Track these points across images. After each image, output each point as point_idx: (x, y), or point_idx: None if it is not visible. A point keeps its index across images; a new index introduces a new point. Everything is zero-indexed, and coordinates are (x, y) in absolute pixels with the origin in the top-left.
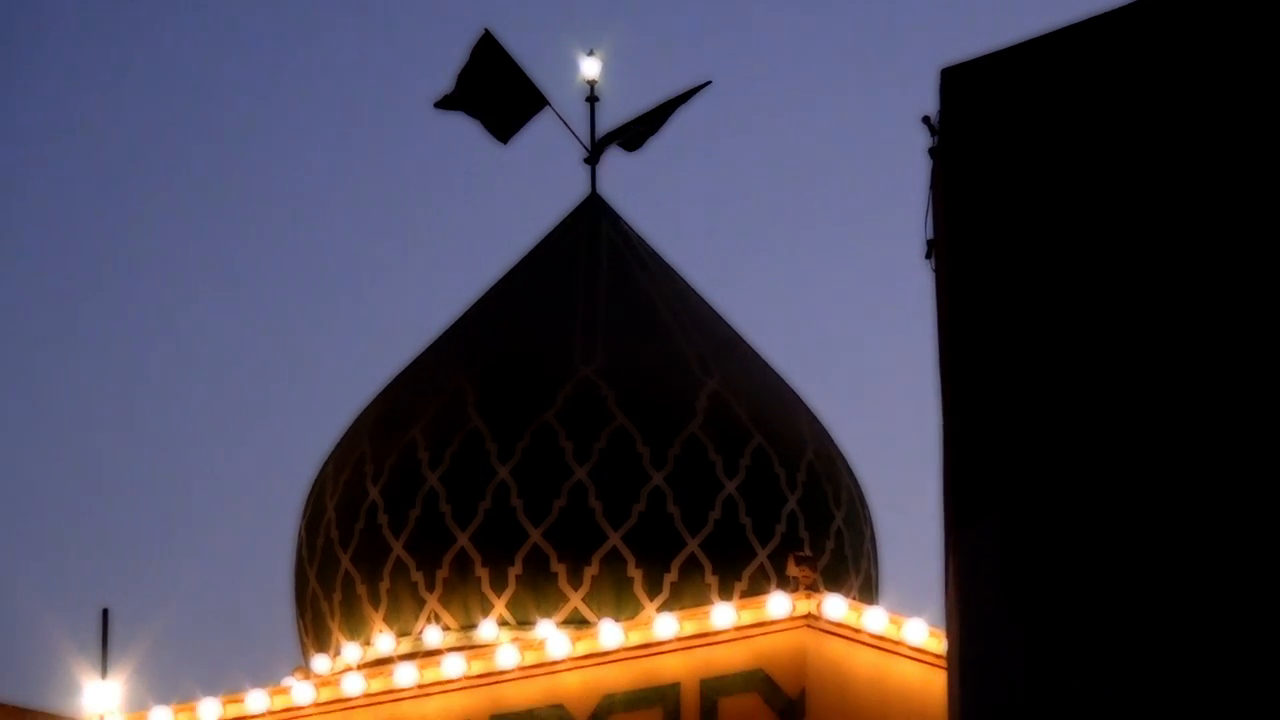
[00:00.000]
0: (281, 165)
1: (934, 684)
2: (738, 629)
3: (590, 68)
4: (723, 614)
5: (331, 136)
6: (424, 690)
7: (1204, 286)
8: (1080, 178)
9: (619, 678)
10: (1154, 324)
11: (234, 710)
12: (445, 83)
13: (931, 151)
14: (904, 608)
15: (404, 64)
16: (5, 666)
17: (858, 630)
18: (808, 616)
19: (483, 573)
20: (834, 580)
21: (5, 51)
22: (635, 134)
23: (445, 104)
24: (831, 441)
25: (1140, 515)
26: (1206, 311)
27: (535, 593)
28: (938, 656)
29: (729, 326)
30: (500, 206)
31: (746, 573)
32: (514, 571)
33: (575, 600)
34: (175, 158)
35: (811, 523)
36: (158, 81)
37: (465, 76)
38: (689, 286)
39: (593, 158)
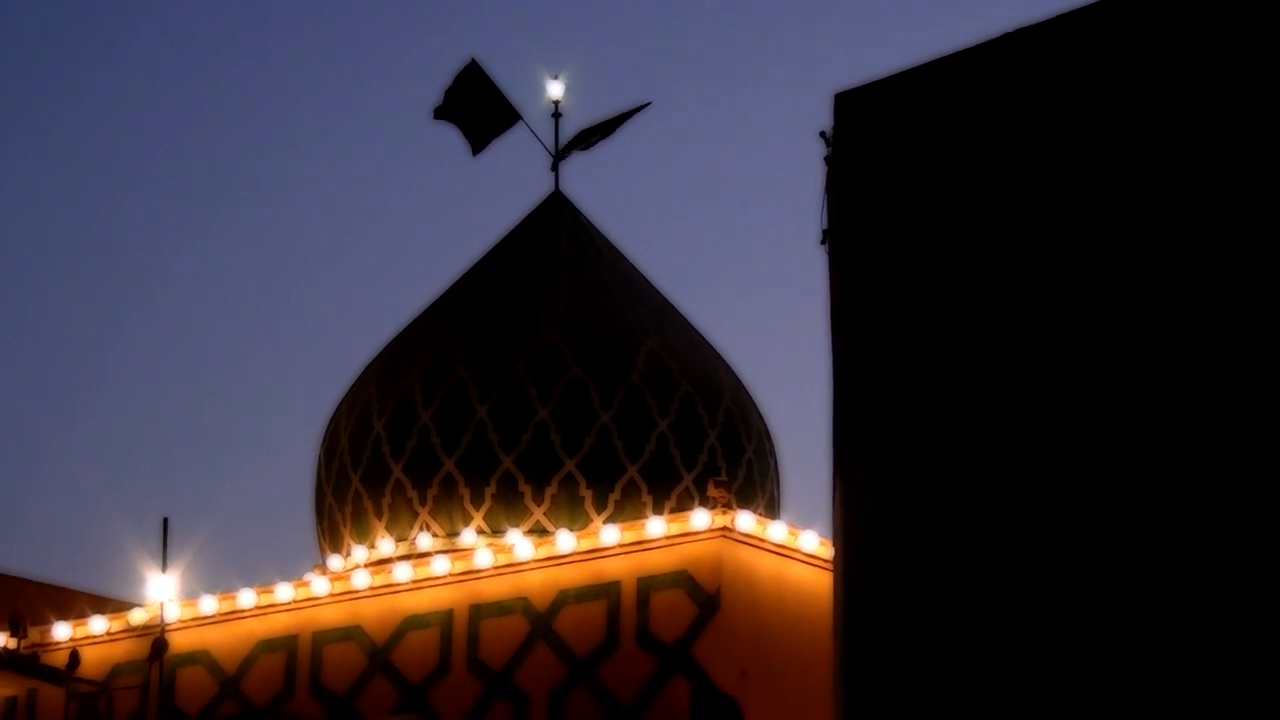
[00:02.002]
0: (327, 175)
1: (823, 583)
2: (667, 538)
3: (555, 89)
4: (655, 526)
5: (348, 148)
6: (417, 584)
7: (1050, 261)
8: (944, 177)
9: (572, 576)
10: (1002, 292)
11: (266, 599)
12: (442, 97)
13: (826, 159)
14: (800, 522)
15: (411, 81)
16: (87, 564)
17: (763, 540)
18: (723, 529)
19: (464, 491)
20: (745, 500)
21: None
22: (589, 140)
23: (439, 115)
24: (745, 389)
25: (988, 450)
26: (1046, 281)
27: (506, 508)
28: (826, 561)
29: (664, 297)
30: (482, 201)
31: (675, 493)
32: (489, 490)
33: (538, 514)
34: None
35: (728, 454)
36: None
37: (452, 94)
38: (633, 265)
39: (556, 162)
